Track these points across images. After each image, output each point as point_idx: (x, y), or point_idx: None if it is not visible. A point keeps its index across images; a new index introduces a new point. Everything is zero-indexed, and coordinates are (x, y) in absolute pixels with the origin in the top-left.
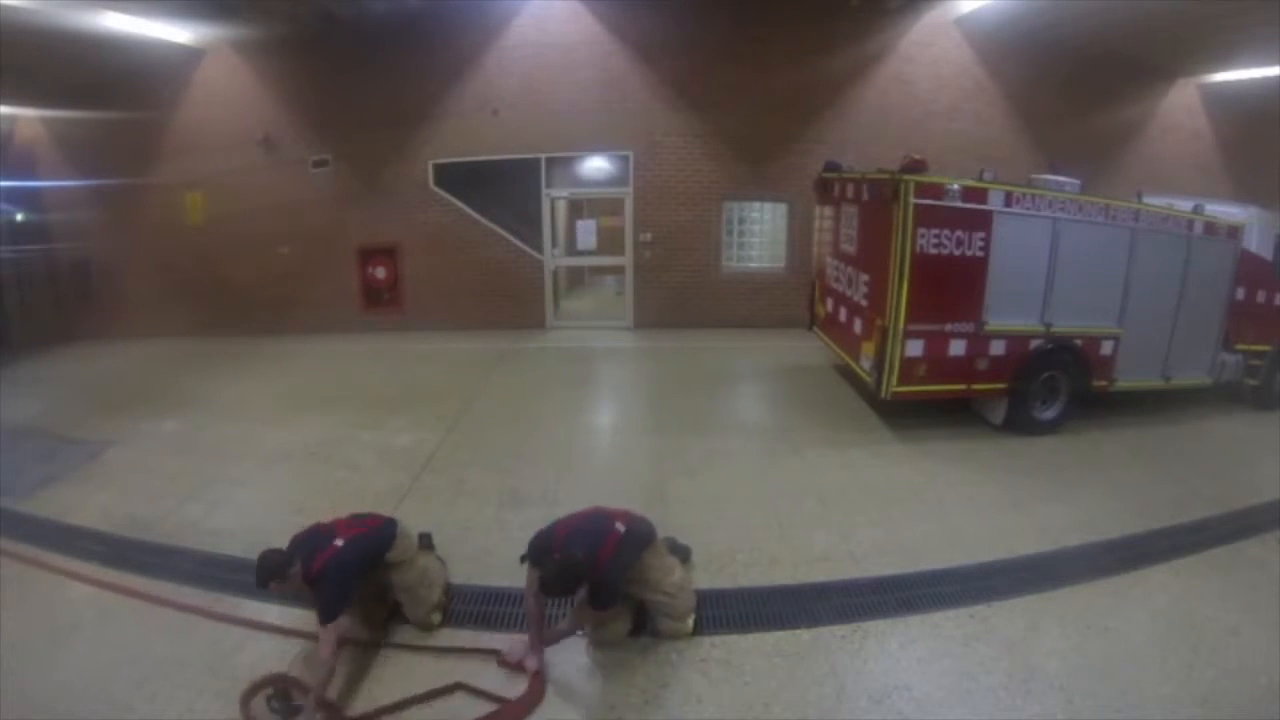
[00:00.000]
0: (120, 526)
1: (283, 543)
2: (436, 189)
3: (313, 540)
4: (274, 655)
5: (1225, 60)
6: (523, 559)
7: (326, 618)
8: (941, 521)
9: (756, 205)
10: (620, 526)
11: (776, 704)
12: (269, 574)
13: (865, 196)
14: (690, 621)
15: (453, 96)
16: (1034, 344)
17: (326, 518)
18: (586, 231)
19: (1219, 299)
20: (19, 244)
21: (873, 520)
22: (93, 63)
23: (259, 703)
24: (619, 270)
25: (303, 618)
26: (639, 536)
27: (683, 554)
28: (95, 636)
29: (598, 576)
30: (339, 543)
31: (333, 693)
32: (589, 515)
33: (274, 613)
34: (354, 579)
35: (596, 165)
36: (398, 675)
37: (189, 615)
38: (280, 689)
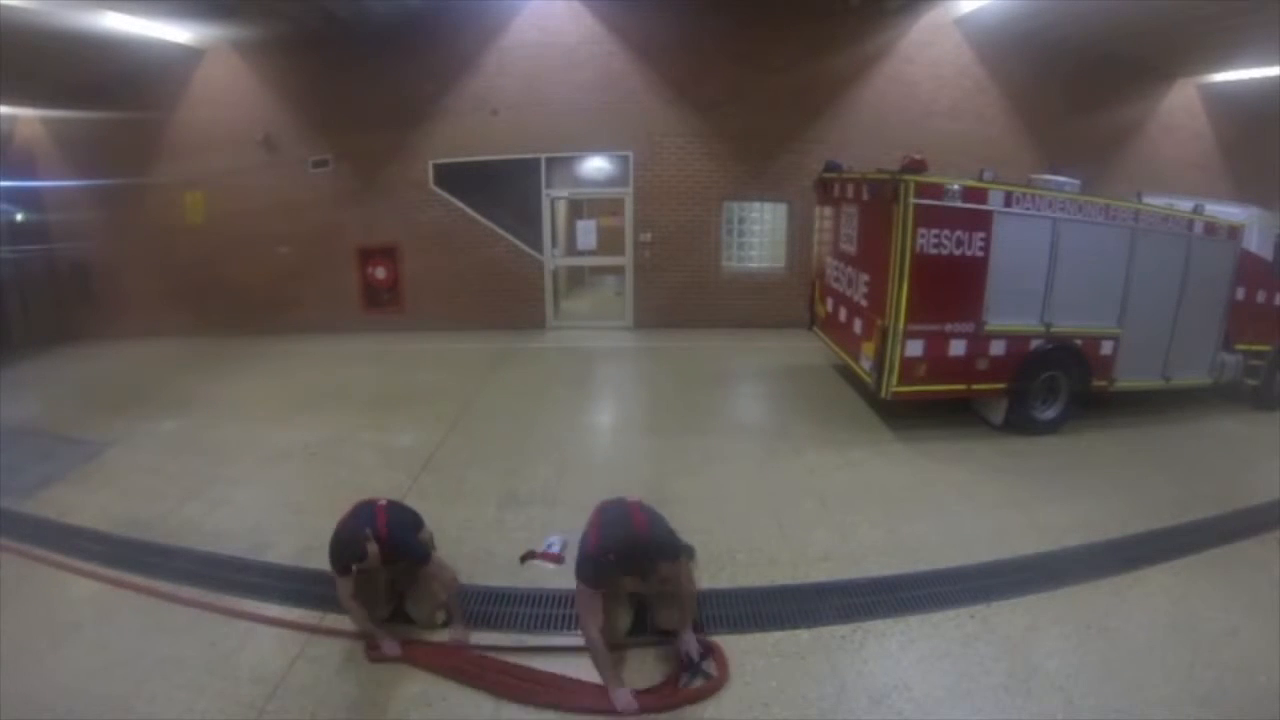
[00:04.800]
0: (120, 526)
1: (284, 541)
2: (436, 189)
3: (360, 516)
4: (275, 654)
5: (1225, 60)
6: (523, 559)
7: (424, 558)
8: (941, 521)
9: (756, 205)
10: (633, 499)
11: (776, 704)
12: (358, 549)
13: (865, 196)
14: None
15: (453, 96)
16: (1034, 344)
17: (327, 517)
18: (586, 231)
19: (1219, 299)
20: (19, 244)
21: (873, 520)
22: (93, 63)
23: None
24: (619, 270)
25: (304, 617)
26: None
27: (686, 553)
28: (95, 636)
29: (651, 541)
30: (382, 502)
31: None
32: (603, 510)
33: (274, 612)
34: (414, 530)
35: (596, 165)
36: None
37: (189, 615)
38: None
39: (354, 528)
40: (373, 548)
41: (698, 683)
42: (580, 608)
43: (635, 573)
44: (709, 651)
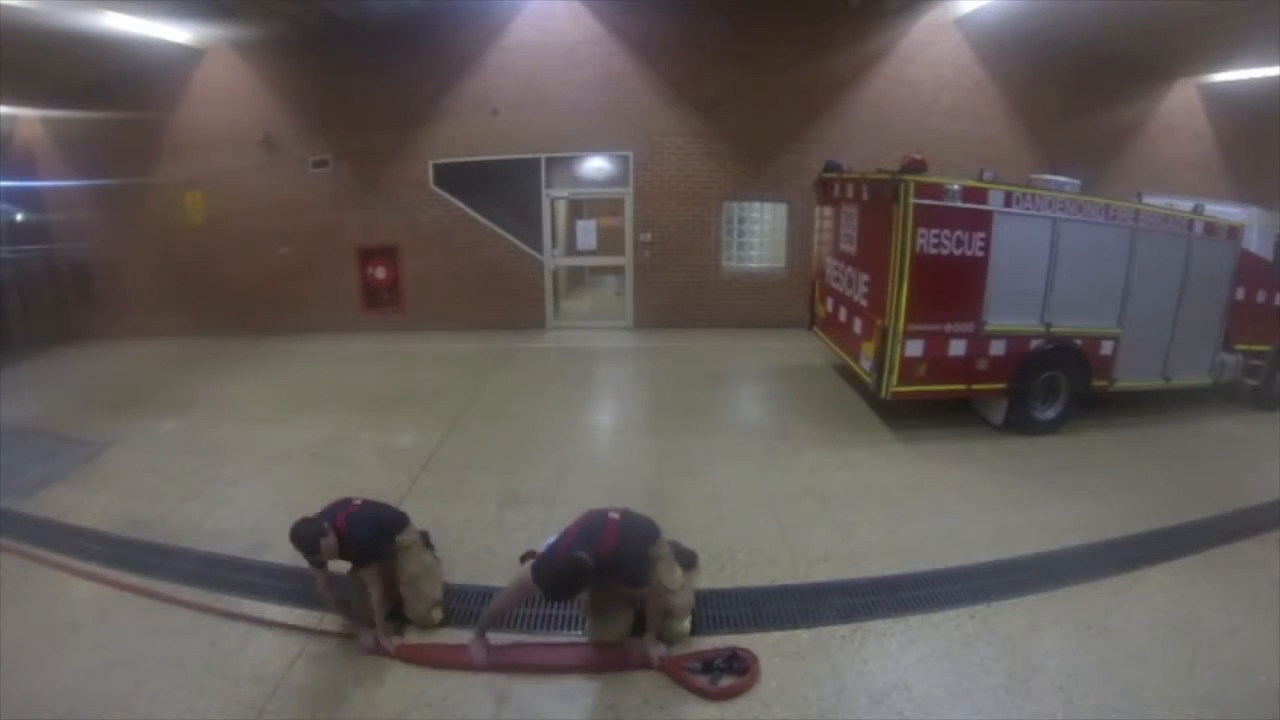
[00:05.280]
0: (120, 526)
1: (284, 541)
2: (436, 189)
3: (333, 507)
4: (275, 654)
5: (1225, 60)
6: (523, 559)
7: (364, 560)
8: (941, 521)
9: (756, 205)
10: (614, 514)
11: (776, 704)
12: (312, 539)
13: (865, 197)
14: (687, 623)
15: (453, 96)
16: (1034, 344)
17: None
18: (586, 231)
19: (1219, 299)
20: (19, 244)
21: (873, 520)
22: (93, 63)
23: None
24: (619, 270)
25: (303, 617)
26: (640, 525)
27: (687, 559)
28: (95, 637)
29: (614, 562)
30: (357, 502)
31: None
32: (583, 517)
33: (274, 612)
34: (378, 532)
35: (596, 165)
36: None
37: (189, 615)
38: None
39: (314, 521)
40: (329, 541)
41: (725, 681)
42: (513, 589)
43: (589, 586)
44: (733, 661)
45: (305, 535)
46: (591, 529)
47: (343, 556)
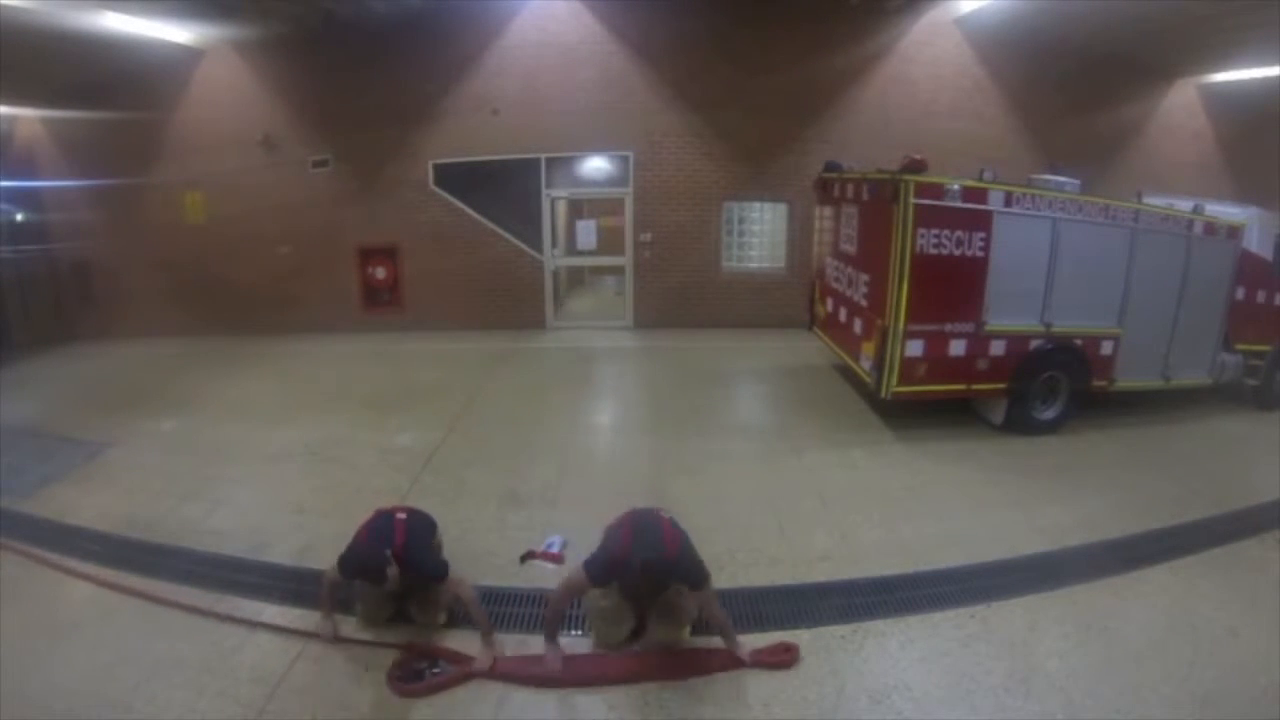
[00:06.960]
0: (120, 526)
1: (284, 541)
2: (436, 189)
3: (379, 529)
4: (275, 655)
5: (1225, 60)
6: (523, 559)
7: (441, 575)
8: (941, 521)
9: (756, 205)
10: (663, 513)
11: (776, 704)
12: (378, 574)
13: (865, 196)
14: (687, 631)
15: (453, 96)
16: (1034, 344)
17: (327, 517)
18: (586, 231)
19: (1219, 299)
20: (19, 244)
21: (872, 520)
22: (93, 63)
23: None
24: (619, 270)
25: (302, 617)
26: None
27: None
28: (95, 637)
29: (676, 563)
30: (401, 515)
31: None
32: (633, 516)
33: (274, 612)
34: (430, 549)
35: (596, 165)
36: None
37: (189, 615)
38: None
39: (375, 548)
40: (393, 571)
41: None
42: (565, 585)
43: (653, 586)
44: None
45: (371, 568)
46: (649, 527)
47: (404, 579)
